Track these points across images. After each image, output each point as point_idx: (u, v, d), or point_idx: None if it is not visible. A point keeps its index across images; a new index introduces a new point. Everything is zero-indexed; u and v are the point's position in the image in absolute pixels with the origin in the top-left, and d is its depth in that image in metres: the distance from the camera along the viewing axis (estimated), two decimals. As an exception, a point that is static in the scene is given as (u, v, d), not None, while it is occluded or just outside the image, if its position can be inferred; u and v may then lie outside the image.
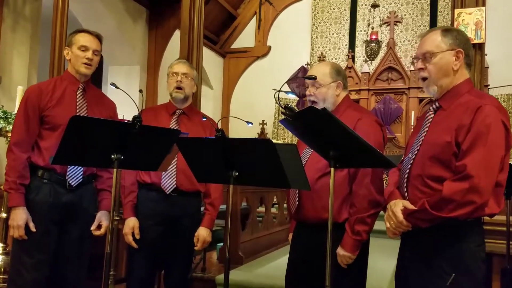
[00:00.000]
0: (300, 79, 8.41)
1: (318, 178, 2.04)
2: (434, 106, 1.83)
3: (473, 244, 1.68)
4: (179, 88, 2.61)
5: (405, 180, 1.80)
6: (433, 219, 1.65)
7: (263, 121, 9.84)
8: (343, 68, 9.27)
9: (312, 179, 2.01)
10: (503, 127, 1.64)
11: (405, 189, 1.80)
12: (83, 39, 2.44)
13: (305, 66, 9.24)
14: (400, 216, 1.72)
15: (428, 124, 1.81)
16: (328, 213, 1.96)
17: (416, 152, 1.79)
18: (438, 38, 1.78)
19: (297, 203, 2.11)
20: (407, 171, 1.80)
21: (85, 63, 2.43)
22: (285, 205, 3.53)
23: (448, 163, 1.67)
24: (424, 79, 1.82)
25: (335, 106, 2.15)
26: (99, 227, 2.48)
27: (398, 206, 1.75)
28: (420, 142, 1.79)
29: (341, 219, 2.02)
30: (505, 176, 1.68)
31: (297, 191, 2.11)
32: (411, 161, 1.79)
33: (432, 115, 1.82)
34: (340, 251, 2.00)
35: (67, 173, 2.38)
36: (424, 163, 1.74)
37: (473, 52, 1.87)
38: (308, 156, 2.12)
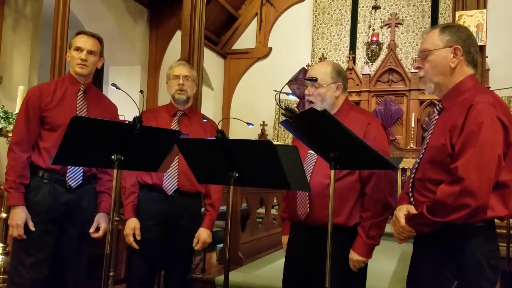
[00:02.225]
0: (301, 80, 8.41)
1: (328, 183, 2.03)
2: (437, 107, 1.79)
3: (479, 251, 1.60)
4: (181, 90, 2.62)
5: (410, 185, 1.78)
6: (431, 223, 1.60)
7: (263, 122, 9.83)
8: (344, 69, 9.29)
9: (322, 184, 2.01)
10: (499, 123, 1.56)
11: (410, 194, 1.78)
12: (79, 40, 2.46)
13: (306, 68, 9.23)
14: (402, 221, 1.68)
15: (433, 127, 1.77)
16: (339, 218, 1.97)
17: (421, 156, 1.76)
18: (435, 36, 1.74)
19: (308, 208, 2.07)
20: (412, 175, 1.78)
21: (79, 64, 2.43)
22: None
23: (445, 165, 1.62)
24: (422, 77, 1.79)
25: (336, 107, 2.13)
26: (97, 229, 2.48)
27: (402, 211, 1.72)
28: (425, 146, 1.76)
29: (351, 223, 2.02)
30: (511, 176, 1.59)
31: (307, 196, 2.07)
32: (416, 165, 1.77)
33: (437, 117, 1.78)
34: (354, 256, 1.99)
35: (67, 174, 2.39)
36: (424, 167, 1.72)
37: (476, 49, 1.76)
38: (314, 161, 2.09)
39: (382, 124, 2.12)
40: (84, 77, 2.49)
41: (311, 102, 2.12)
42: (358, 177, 2.03)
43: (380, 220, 1.98)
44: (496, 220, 1.68)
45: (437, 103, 1.82)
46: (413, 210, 1.70)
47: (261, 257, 4.46)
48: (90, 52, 2.45)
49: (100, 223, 2.49)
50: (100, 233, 2.48)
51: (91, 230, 2.47)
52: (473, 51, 1.74)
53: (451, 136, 1.62)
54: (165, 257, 2.60)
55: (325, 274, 1.75)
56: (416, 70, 1.96)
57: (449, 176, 1.60)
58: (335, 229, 1.79)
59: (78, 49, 2.44)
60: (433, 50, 1.73)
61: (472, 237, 1.61)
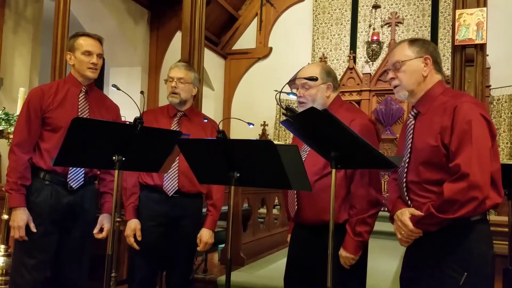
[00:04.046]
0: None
1: (316, 180, 2.04)
2: (412, 112, 1.89)
3: (483, 243, 1.71)
4: (174, 93, 2.61)
5: (404, 188, 1.83)
6: (440, 221, 1.67)
7: (264, 122, 9.84)
8: (345, 68, 9.28)
9: (310, 181, 2.00)
10: (483, 119, 1.69)
11: (407, 197, 1.82)
12: (85, 43, 2.44)
13: (306, 67, 9.23)
14: (410, 225, 1.74)
15: (412, 131, 1.86)
16: (328, 215, 1.96)
17: (407, 160, 1.83)
18: (405, 48, 1.87)
19: (296, 206, 2.10)
20: (404, 179, 1.83)
21: (91, 68, 2.44)
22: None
23: (442, 165, 1.71)
24: (396, 86, 1.89)
25: (326, 107, 2.13)
26: (101, 230, 2.48)
27: (405, 214, 1.77)
28: (409, 150, 1.83)
29: (341, 220, 2.02)
30: (498, 166, 1.72)
31: (295, 194, 2.09)
32: (405, 170, 1.83)
33: (413, 121, 1.87)
34: (342, 252, 1.99)
35: (68, 175, 2.39)
36: (418, 169, 1.78)
37: (441, 60, 1.95)
38: (304, 158, 2.10)
39: (369, 119, 2.12)
40: (90, 79, 2.50)
41: (301, 103, 2.13)
42: (345, 174, 2.03)
43: (366, 216, 1.98)
44: (497, 218, 1.72)
45: (412, 108, 1.92)
46: (416, 212, 1.75)
47: (263, 257, 4.46)
48: (98, 55, 2.46)
49: (104, 223, 2.49)
50: (104, 233, 2.48)
51: (95, 231, 2.47)
52: (439, 61, 1.91)
53: (442, 137, 1.71)
54: (166, 258, 2.60)
55: (320, 272, 1.75)
56: (386, 80, 2.07)
57: (447, 175, 1.68)
58: (325, 228, 1.79)
59: (88, 53, 2.43)
60: (406, 61, 1.85)
61: (474, 230, 1.70)
